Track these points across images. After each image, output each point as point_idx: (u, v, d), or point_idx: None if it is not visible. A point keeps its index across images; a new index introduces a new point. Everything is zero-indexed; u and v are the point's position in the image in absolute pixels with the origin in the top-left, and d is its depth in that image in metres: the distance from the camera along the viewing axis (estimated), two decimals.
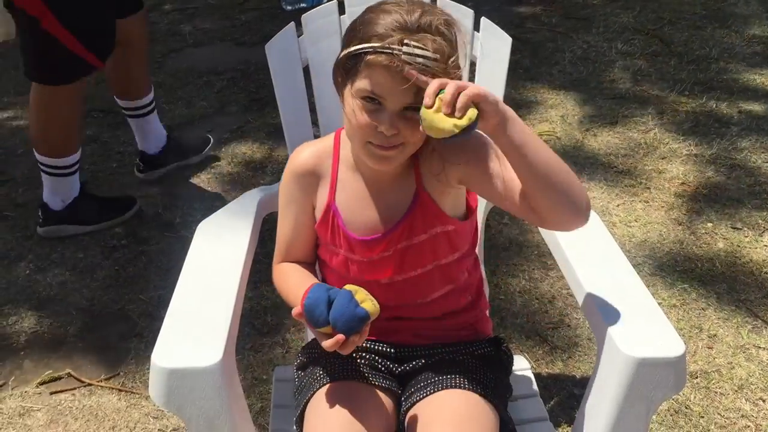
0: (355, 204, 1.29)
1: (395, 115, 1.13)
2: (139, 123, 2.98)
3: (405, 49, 1.08)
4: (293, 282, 1.34)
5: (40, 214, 2.69)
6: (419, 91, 1.09)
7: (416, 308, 1.34)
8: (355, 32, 1.15)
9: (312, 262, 1.42)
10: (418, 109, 1.08)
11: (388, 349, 1.35)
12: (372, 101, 1.14)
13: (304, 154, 1.34)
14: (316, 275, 1.41)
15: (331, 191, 1.30)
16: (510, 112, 1.09)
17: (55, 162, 2.62)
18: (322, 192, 1.32)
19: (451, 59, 1.12)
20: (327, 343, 1.13)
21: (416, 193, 1.26)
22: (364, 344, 1.34)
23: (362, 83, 1.13)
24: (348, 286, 1.17)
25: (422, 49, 1.09)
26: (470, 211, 1.33)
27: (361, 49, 1.12)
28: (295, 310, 1.16)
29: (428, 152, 1.24)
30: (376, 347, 1.36)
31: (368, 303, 1.15)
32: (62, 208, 2.67)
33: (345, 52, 1.16)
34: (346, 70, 1.17)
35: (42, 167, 2.65)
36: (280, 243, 1.41)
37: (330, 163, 1.31)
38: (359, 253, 1.30)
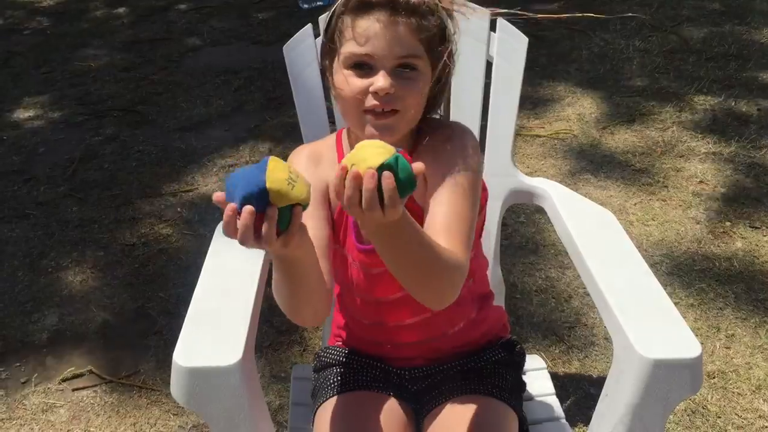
0: None
1: (388, 71, 1.08)
2: None
3: None
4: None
5: None
6: (412, 42, 1.06)
7: (419, 329, 1.28)
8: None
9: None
10: (413, 67, 1.07)
11: (402, 372, 1.33)
12: (362, 67, 1.09)
13: (304, 149, 1.29)
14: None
15: None
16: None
17: None
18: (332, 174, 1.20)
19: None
20: (224, 217, 0.89)
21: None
22: (376, 363, 1.32)
23: (349, 47, 1.09)
24: (272, 158, 0.92)
25: None
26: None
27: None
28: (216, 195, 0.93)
29: (422, 150, 1.18)
30: (388, 369, 1.33)
31: (277, 172, 0.89)
32: None
33: (327, 23, 1.13)
34: (331, 42, 1.13)
35: None
36: None
37: (335, 156, 1.25)
38: (359, 261, 1.23)
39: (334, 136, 1.30)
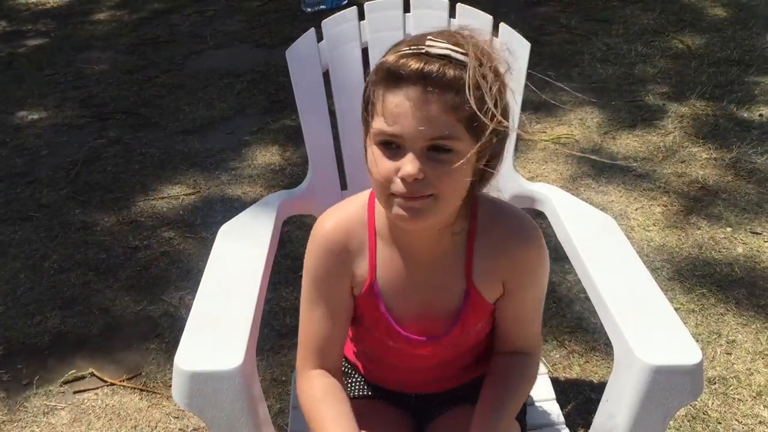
0: (396, 285, 1.13)
1: (418, 154, 0.95)
2: None
3: (428, 44, 0.95)
4: (325, 421, 1.12)
5: None
6: (446, 122, 0.94)
7: (433, 377, 1.29)
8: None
9: (340, 366, 1.23)
10: (447, 150, 0.95)
11: (409, 395, 1.33)
12: (390, 146, 0.97)
13: (330, 224, 1.14)
14: (343, 393, 1.18)
15: (371, 268, 1.13)
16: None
17: None
18: (360, 267, 1.13)
19: (484, 72, 0.95)
20: None
21: (467, 291, 1.13)
22: (377, 386, 1.32)
23: (378, 123, 0.98)
24: None
25: (443, 43, 0.95)
26: None
27: (374, 74, 0.99)
28: None
29: (485, 243, 1.11)
30: (391, 392, 1.32)
31: None
32: None
33: (364, 89, 1.03)
34: (365, 114, 1.03)
35: None
36: (308, 341, 1.17)
37: (365, 234, 1.13)
38: (400, 344, 1.17)
39: (365, 205, 1.15)
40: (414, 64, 0.94)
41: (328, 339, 1.16)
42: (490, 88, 0.94)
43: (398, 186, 0.97)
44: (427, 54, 0.95)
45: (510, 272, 1.13)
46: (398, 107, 0.95)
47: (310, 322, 1.16)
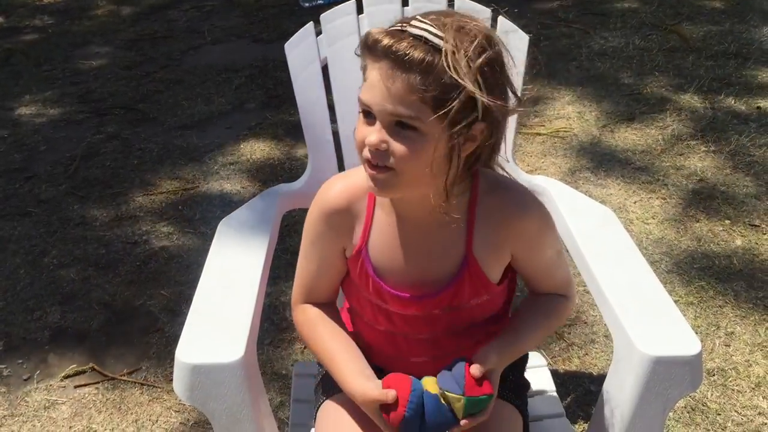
0: (389, 251, 1.17)
1: (386, 125, 1.00)
2: None
3: (411, 24, 0.98)
4: (324, 336, 1.23)
5: None
6: (409, 101, 0.97)
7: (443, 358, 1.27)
8: None
9: (334, 300, 1.31)
10: (412, 128, 0.99)
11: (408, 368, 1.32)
12: (368, 115, 1.03)
13: (334, 191, 1.19)
14: (338, 317, 1.28)
15: (364, 233, 1.17)
16: (501, 362, 1.14)
17: None
18: (356, 232, 1.18)
19: (465, 56, 0.96)
20: None
21: (465, 259, 1.14)
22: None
23: (360, 91, 1.03)
24: (429, 385, 1.10)
25: (424, 24, 0.97)
26: (507, 273, 1.22)
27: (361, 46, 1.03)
28: (394, 420, 1.07)
29: (486, 214, 1.13)
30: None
31: (456, 404, 1.08)
32: None
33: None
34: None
35: None
36: (302, 280, 1.27)
37: (365, 202, 1.18)
38: (391, 304, 1.20)
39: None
40: (385, 41, 0.97)
41: (320, 282, 1.25)
42: (462, 76, 0.95)
43: (366, 153, 1.03)
44: (403, 32, 0.98)
45: (514, 242, 1.15)
46: (372, 79, 1.00)
47: (305, 266, 1.25)
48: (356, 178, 1.16)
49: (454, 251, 1.14)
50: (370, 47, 1.00)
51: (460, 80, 0.95)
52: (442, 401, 1.08)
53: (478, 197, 1.13)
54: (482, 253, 1.14)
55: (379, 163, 1.02)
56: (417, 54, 0.96)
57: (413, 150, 1.00)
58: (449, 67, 0.95)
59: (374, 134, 1.00)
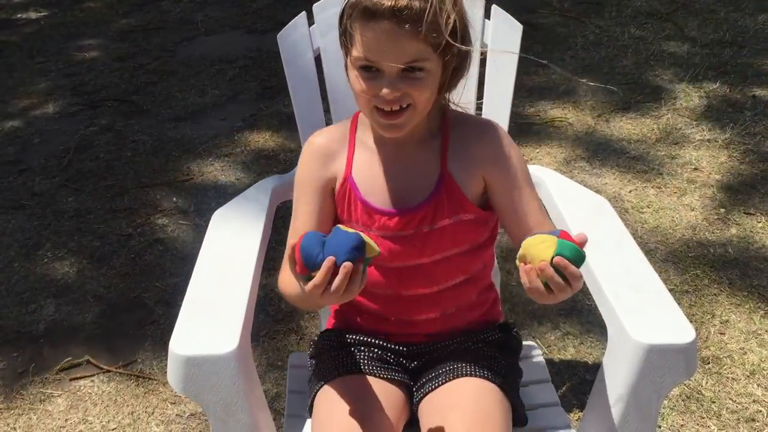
0: (373, 178, 1.27)
1: (394, 76, 1.12)
2: None
3: None
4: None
5: None
6: (418, 48, 1.09)
7: (429, 303, 1.32)
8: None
9: None
10: (420, 69, 1.11)
11: (401, 348, 1.34)
12: (369, 69, 1.13)
13: (319, 138, 1.33)
14: None
15: (348, 165, 1.28)
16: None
17: None
18: (339, 167, 1.29)
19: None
20: (317, 279, 1.01)
21: (441, 176, 1.25)
22: (375, 341, 1.34)
23: (357, 52, 1.13)
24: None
25: None
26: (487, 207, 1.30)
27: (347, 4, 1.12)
28: (290, 249, 1.06)
29: (456, 136, 1.25)
30: (388, 346, 1.34)
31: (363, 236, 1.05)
32: None
33: (339, 19, 1.16)
34: (344, 40, 1.17)
35: None
36: (292, 237, 1.30)
37: (346, 140, 1.30)
38: (378, 224, 1.26)
39: (348, 122, 1.33)
40: (387, 2, 1.07)
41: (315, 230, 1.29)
42: (449, 16, 1.10)
43: (380, 101, 1.14)
44: None
45: (482, 160, 1.25)
46: (374, 40, 1.10)
47: (295, 218, 1.31)
48: (337, 127, 1.34)
49: (431, 168, 1.25)
50: (369, 11, 1.08)
51: (450, 16, 1.10)
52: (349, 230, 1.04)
53: (449, 122, 1.28)
54: (455, 169, 1.25)
55: (396, 105, 1.14)
56: (416, 4, 1.07)
57: (426, 86, 1.14)
58: (440, 8, 1.09)
59: (386, 89, 1.12)
